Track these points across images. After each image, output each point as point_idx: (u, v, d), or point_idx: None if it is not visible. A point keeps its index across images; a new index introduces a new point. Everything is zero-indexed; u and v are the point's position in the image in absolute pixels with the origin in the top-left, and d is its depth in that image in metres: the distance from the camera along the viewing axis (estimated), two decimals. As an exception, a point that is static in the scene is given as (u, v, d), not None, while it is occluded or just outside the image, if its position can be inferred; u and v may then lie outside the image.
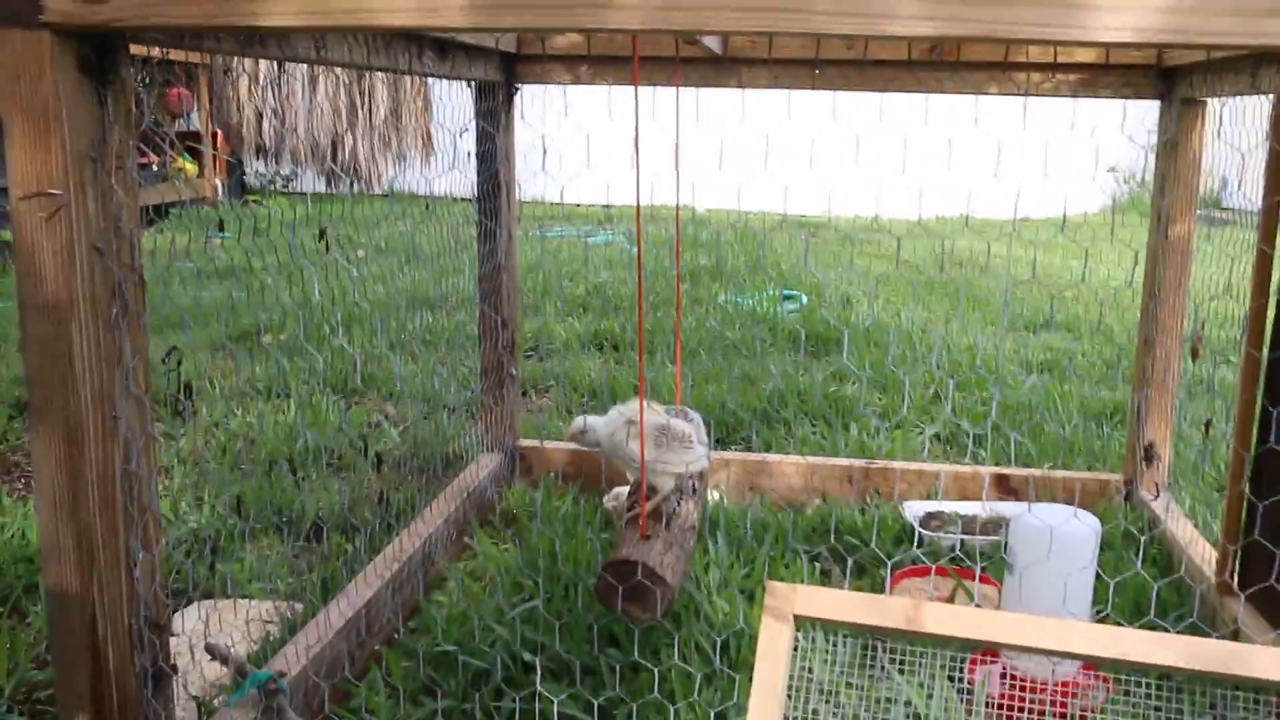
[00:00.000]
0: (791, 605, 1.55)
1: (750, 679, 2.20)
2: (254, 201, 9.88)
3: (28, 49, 1.36)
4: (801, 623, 1.58)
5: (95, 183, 1.45)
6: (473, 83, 3.07)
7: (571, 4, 1.33)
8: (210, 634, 2.32)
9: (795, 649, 1.63)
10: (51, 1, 1.34)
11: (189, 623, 2.46)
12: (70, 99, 1.39)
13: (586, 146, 2.23)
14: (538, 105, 3.28)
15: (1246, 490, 2.41)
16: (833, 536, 3.00)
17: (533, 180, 3.02)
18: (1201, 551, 2.77)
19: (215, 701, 2.18)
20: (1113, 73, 2.94)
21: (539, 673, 2.23)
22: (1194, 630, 2.26)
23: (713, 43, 2.76)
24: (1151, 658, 1.50)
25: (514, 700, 2.19)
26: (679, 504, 2.54)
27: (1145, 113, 3.15)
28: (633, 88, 2.34)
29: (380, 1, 1.35)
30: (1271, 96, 2.40)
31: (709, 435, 2.71)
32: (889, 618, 1.51)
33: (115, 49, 1.45)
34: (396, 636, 2.53)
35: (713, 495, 3.33)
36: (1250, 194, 2.48)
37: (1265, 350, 2.41)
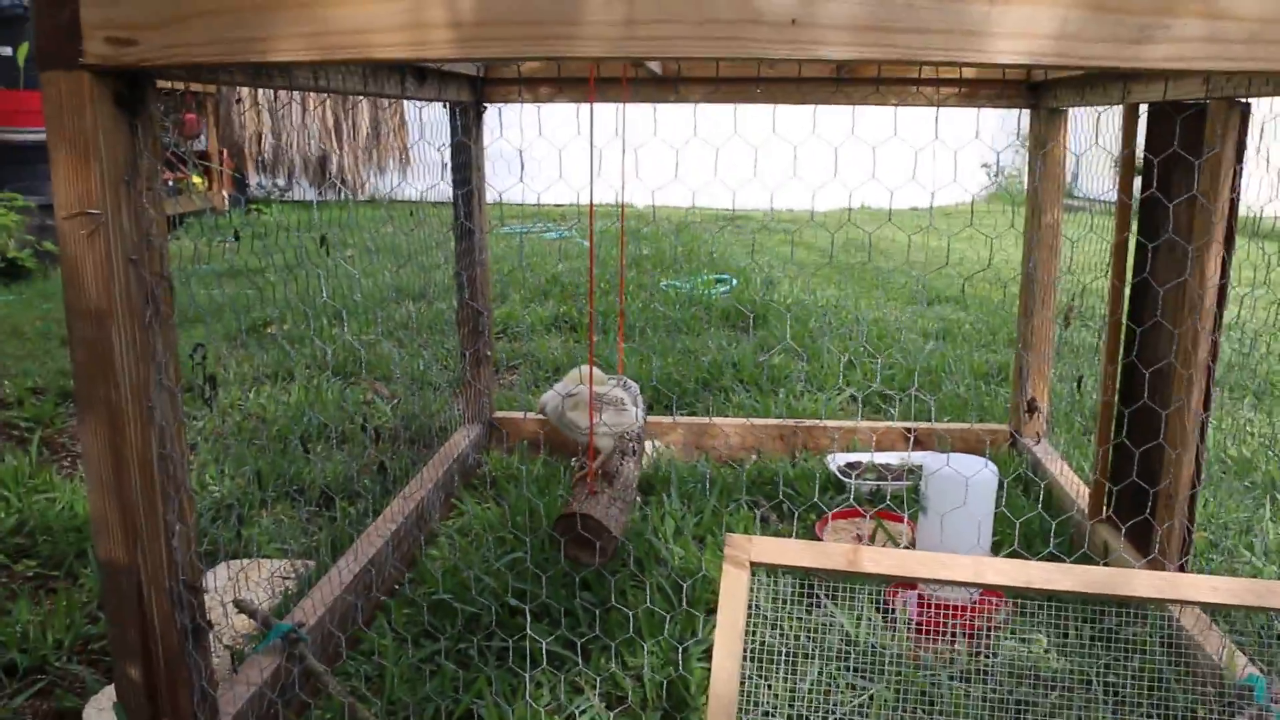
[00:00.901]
0: (748, 554, 1.54)
1: (707, 615, 2.20)
2: (257, 210, 9.72)
3: (70, 88, 1.32)
4: (756, 568, 1.58)
5: (129, 202, 1.41)
6: (447, 103, 3.02)
7: (543, 35, 1.30)
8: (238, 591, 2.28)
9: (750, 589, 1.63)
10: (89, 45, 1.30)
11: (219, 581, 2.41)
12: (106, 130, 1.34)
13: (558, 159, 2.21)
14: (516, 123, 3.23)
15: (1124, 438, 2.45)
16: (779, 491, 3.00)
17: (511, 188, 2.98)
18: (1078, 491, 2.81)
19: (245, 650, 2.14)
20: (991, 86, 2.96)
21: (526, 616, 2.21)
22: (1082, 559, 2.30)
23: (654, 65, 2.75)
24: (1052, 585, 1.52)
25: (505, 640, 2.17)
26: (621, 463, 2.51)
27: (1021, 119, 3.19)
28: (588, 104, 2.32)
29: (376, 37, 1.31)
30: (1121, 108, 2.43)
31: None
32: (832, 561, 1.51)
33: (144, 85, 1.40)
34: (398, 588, 2.50)
35: (657, 446, 3.32)
36: (1095, 186, 2.53)
37: (1124, 318, 2.46)
